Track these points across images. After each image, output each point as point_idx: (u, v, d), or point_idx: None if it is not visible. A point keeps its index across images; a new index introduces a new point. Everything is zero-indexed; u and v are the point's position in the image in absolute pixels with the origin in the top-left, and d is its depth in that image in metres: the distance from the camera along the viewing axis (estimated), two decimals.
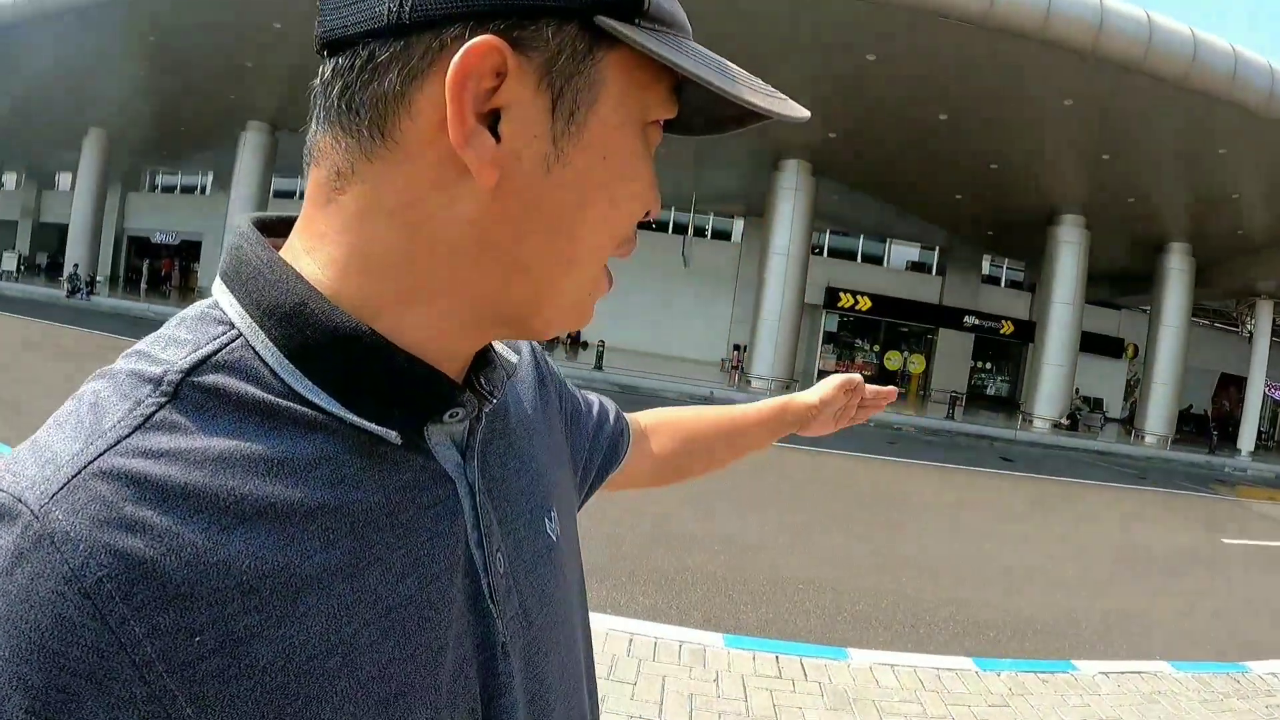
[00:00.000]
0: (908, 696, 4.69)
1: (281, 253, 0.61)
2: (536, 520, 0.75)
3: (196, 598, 0.48)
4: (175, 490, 0.49)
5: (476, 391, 0.68)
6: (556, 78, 0.55)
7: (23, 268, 41.87)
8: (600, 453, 1.05)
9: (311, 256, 0.59)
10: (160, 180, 47.85)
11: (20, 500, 0.47)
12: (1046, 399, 28.37)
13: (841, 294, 35.04)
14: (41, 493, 0.47)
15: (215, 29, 22.67)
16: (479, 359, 0.69)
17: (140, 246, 46.25)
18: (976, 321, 36.12)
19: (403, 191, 0.56)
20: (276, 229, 0.65)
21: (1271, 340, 32.89)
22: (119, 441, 0.50)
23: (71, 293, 30.82)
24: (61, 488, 0.47)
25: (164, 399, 0.52)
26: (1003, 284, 40.96)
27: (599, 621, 5.15)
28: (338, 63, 0.56)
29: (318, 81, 0.58)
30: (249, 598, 0.50)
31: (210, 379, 0.54)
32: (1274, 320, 32.98)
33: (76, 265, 33.36)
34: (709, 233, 39.75)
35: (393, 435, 0.57)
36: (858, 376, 1.48)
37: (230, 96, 28.66)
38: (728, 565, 7.30)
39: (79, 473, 0.48)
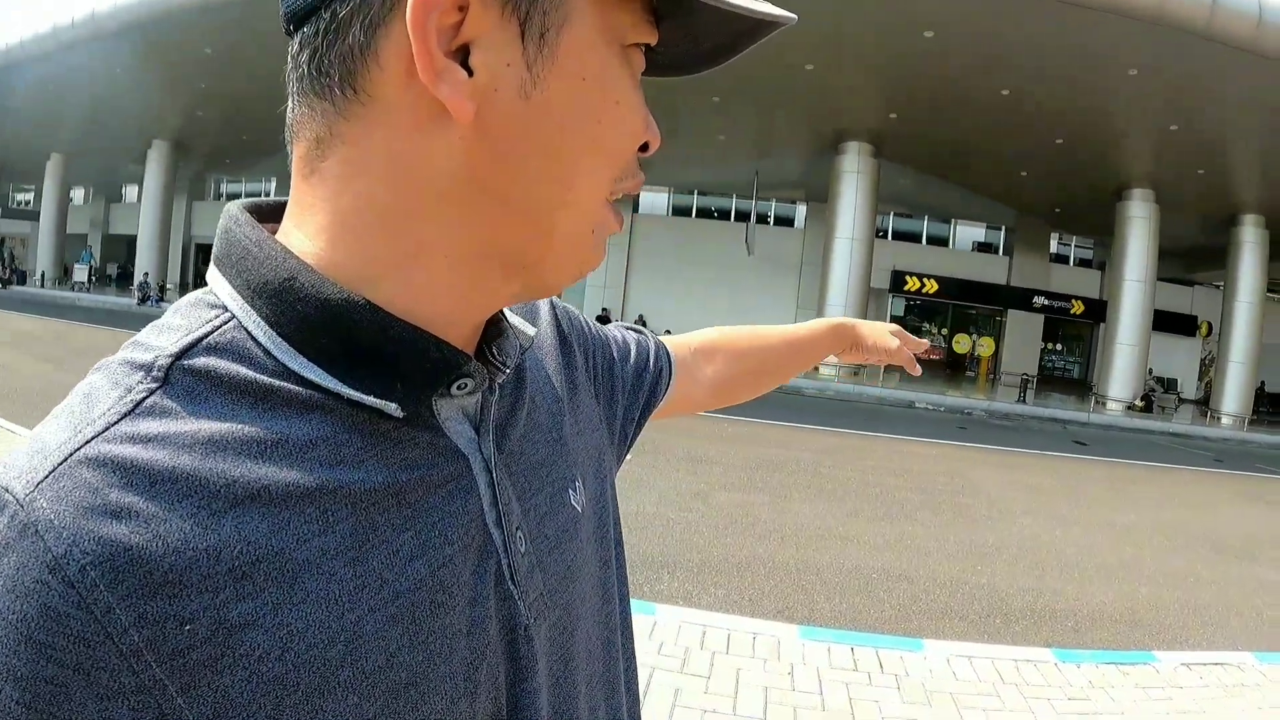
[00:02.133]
0: (986, 689, 4.64)
1: (277, 235, 0.60)
2: (559, 493, 0.74)
3: (186, 585, 0.47)
4: (163, 475, 0.48)
5: (490, 362, 0.66)
6: (521, 1, 0.53)
7: (94, 278, 42.99)
8: (640, 400, 1.03)
9: (301, 230, 0.58)
10: (225, 189, 48.90)
11: (7, 490, 0.47)
12: (1119, 380, 27.85)
13: (907, 277, 34.70)
14: (27, 482, 0.47)
15: (271, 37, 22.99)
16: (491, 329, 0.68)
17: (208, 254, 46.74)
18: (1046, 302, 35.50)
19: (383, 145, 0.55)
20: (273, 215, 0.64)
21: None
22: (107, 428, 0.49)
23: (142, 300, 31.72)
24: (47, 476, 0.47)
25: (155, 384, 0.52)
26: (1071, 262, 40.27)
27: (670, 614, 5.17)
28: (304, 33, 0.55)
29: (290, 61, 0.58)
30: (242, 584, 0.48)
31: (201, 362, 0.53)
32: None
33: (146, 274, 34.31)
34: (771, 219, 39.56)
35: (392, 407, 0.56)
36: (909, 339, 1.50)
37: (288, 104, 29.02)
38: (800, 555, 7.28)
39: (65, 460, 0.47)
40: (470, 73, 0.53)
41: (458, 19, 0.52)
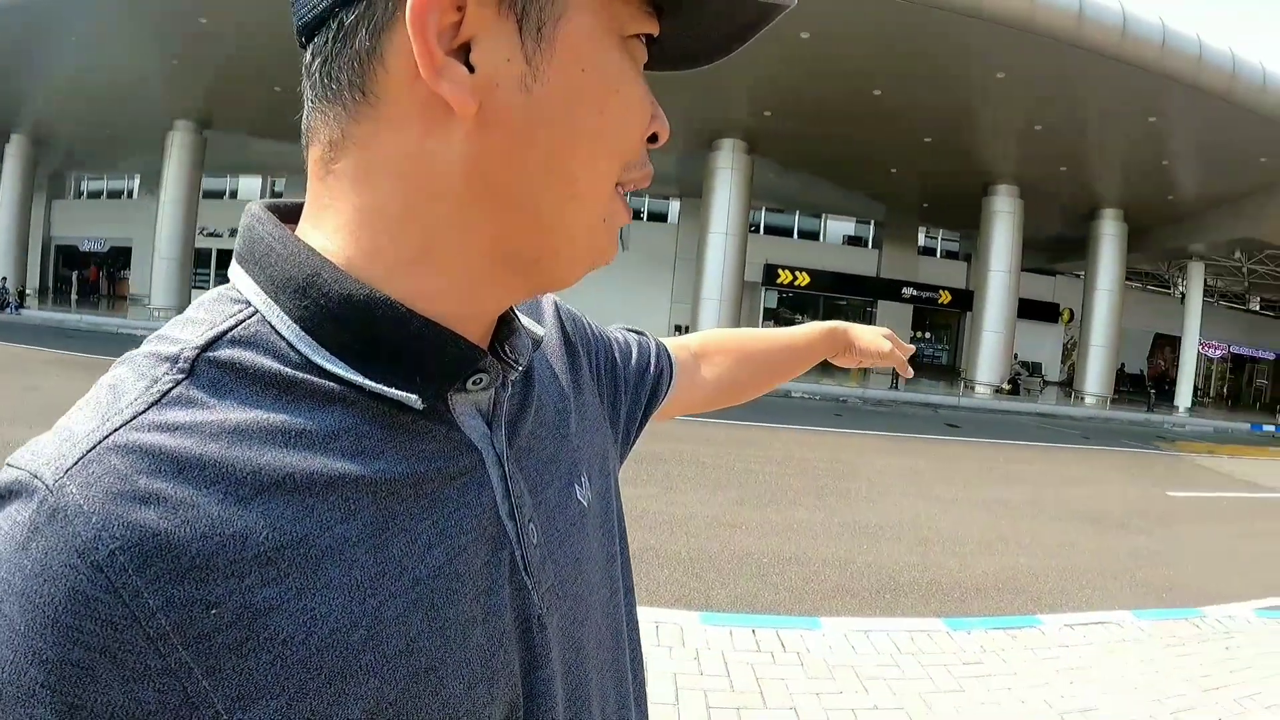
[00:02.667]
0: (885, 661, 4.76)
1: (297, 234, 0.60)
2: (567, 488, 0.74)
3: (212, 569, 0.47)
4: (190, 462, 0.49)
5: (502, 359, 0.67)
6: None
7: None
8: (642, 400, 1.04)
9: (319, 230, 0.59)
10: (86, 186, 46.54)
11: (36, 476, 0.47)
12: (987, 365, 28.92)
13: (780, 271, 35.34)
14: (57, 468, 0.47)
15: (138, 27, 22.16)
16: (503, 327, 0.69)
17: (68, 256, 44.81)
18: (915, 292, 36.65)
19: (392, 145, 0.56)
20: (290, 216, 0.64)
21: (1204, 300, 33.89)
22: (135, 417, 0.50)
23: (1, 307, 29.98)
24: (76, 462, 0.47)
25: (181, 375, 0.52)
26: (939, 254, 41.59)
27: None
28: (315, 43, 0.56)
29: (304, 72, 0.59)
30: (267, 569, 0.49)
31: (226, 354, 0.54)
32: (1205, 281, 33.95)
33: (4, 278, 32.34)
34: (645, 215, 39.77)
35: (413, 399, 0.57)
36: (899, 344, 1.55)
37: (156, 96, 27.97)
38: (692, 544, 7.33)
39: (94, 448, 0.48)
40: (472, 69, 0.54)
41: (457, 18, 0.53)
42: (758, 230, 37.36)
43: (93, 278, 42.37)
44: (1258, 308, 48.34)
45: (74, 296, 38.55)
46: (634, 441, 1.04)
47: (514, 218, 0.58)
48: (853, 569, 7.02)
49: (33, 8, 22.23)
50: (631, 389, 1.02)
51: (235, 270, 0.60)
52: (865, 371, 33.94)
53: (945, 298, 36.58)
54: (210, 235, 37.85)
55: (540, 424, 0.74)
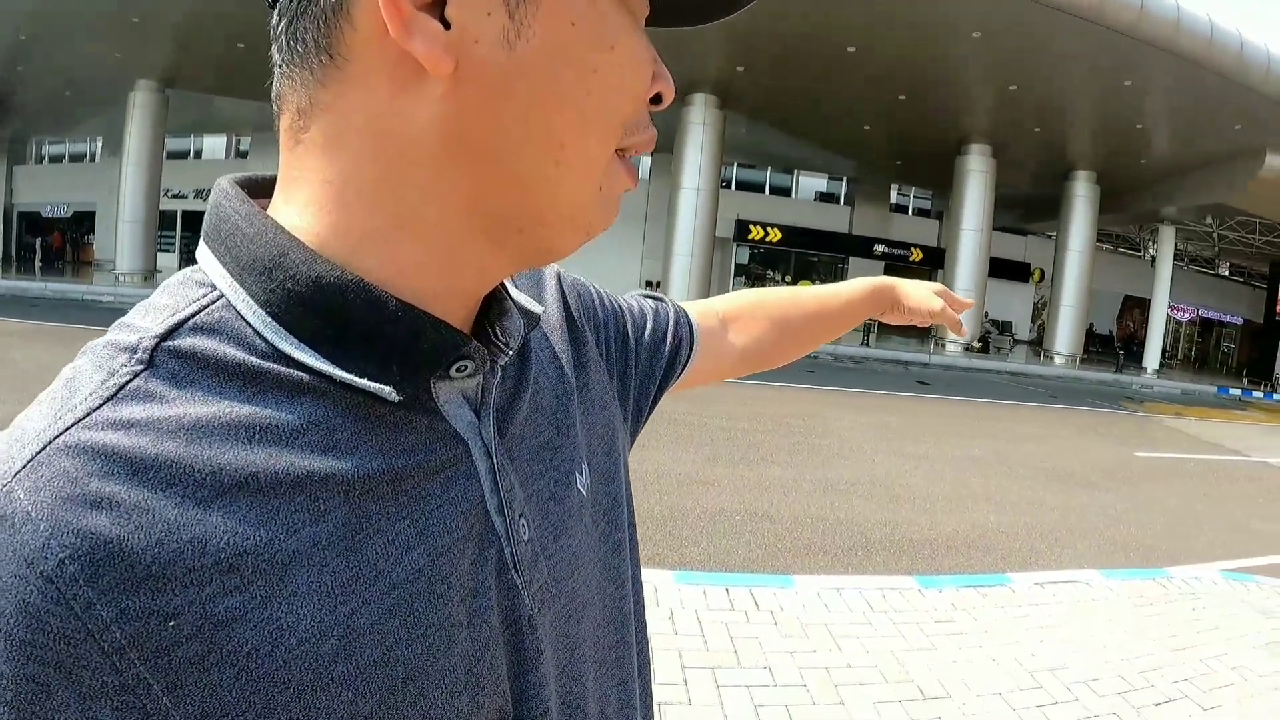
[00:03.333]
0: (857, 619, 4.80)
1: (268, 210, 0.56)
2: (565, 477, 0.70)
3: (169, 578, 0.44)
4: (146, 463, 0.45)
5: (492, 343, 0.63)
6: None
7: None
8: (657, 373, 0.98)
9: (290, 204, 0.55)
10: (47, 151, 45.55)
11: None
12: None
13: (752, 226, 35.30)
14: (5, 471, 0.44)
15: None
16: (494, 306, 0.65)
17: (31, 222, 43.85)
18: (886, 249, 36.72)
19: (362, 109, 0.52)
20: (265, 189, 0.60)
21: (1174, 264, 34.36)
22: (88, 414, 0.46)
23: None
24: (25, 465, 0.44)
25: (140, 367, 0.49)
26: (910, 212, 41.62)
27: None
28: (280, 2, 0.52)
29: (270, 34, 0.54)
30: (229, 577, 0.46)
31: (187, 343, 0.50)
32: (1176, 245, 34.44)
33: None
34: None
35: (388, 391, 0.53)
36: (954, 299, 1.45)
37: (116, 55, 27.24)
38: (664, 501, 7.34)
39: (44, 448, 0.45)
40: (448, 25, 0.50)
41: None
42: (729, 186, 37.26)
43: (56, 244, 41.33)
44: (1227, 273, 49.22)
45: (38, 264, 37.88)
46: (646, 419, 0.98)
47: (497, 185, 0.54)
48: (825, 526, 7.06)
49: None
50: (644, 363, 0.96)
51: (202, 250, 0.56)
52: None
53: (917, 255, 36.69)
54: (175, 197, 37.28)
55: (536, 410, 0.70)
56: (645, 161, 37.94)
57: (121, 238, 30.34)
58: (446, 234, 0.55)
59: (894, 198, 40.75)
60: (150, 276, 29.59)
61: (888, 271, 37.37)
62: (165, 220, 34.21)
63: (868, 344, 27.18)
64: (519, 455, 0.65)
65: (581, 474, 0.73)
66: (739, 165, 38.72)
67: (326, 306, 0.52)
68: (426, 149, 0.52)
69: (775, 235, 35.62)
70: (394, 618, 0.51)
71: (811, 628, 4.58)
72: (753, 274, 38.63)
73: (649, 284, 32.84)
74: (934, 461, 10.42)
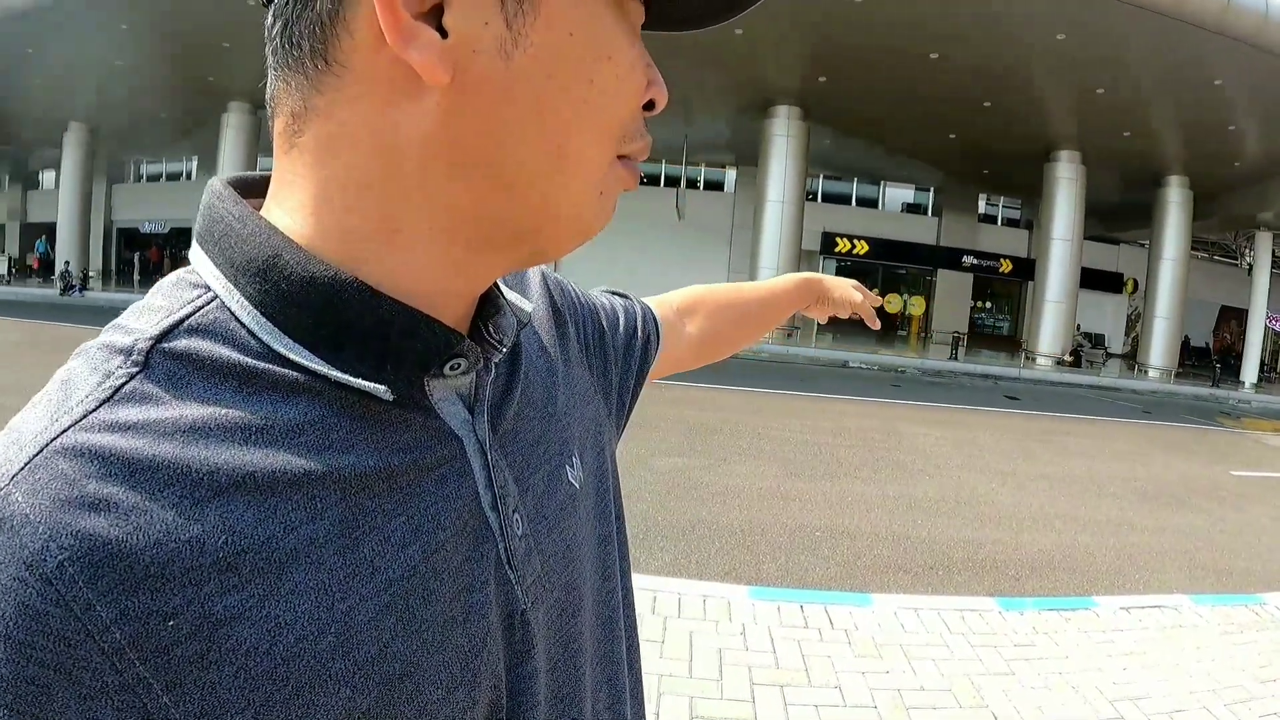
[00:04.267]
0: (933, 640, 4.72)
1: (261, 211, 0.57)
2: (557, 470, 0.71)
3: (168, 578, 0.45)
4: (143, 464, 0.46)
5: (485, 340, 0.64)
6: None
7: (14, 270, 41.73)
8: (633, 367, 1.00)
9: (283, 206, 0.56)
10: (145, 170, 47.18)
11: None
12: (1048, 336, 28.48)
13: (838, 239, 35.05)
14: (2, 475, 0.45)
15: (188, 10, 22.33)
16: (486, 305, 0.65)
17: (130, 238, 45.62)
18: (975, 261, 36.20)
19: (358, 116, 0.52)
20: (258, 189, 0.61)
21: (1271, 272, 33.32)
22: (85, 416, 0.47)
23: (65, 290, 30.43)
24: (22, 468, 0.45)
25: (135, 369, 0.50)
26: (999, 222, 40.89)
27: None
28: (275, 5, 0.53)
29: (265, 36, 0.55)
30: (227, 576, 0.46)
31: (183, 344, 0.51)
32: (1273, 252, 33.39)
33: (68, 262, 32.89)
34: (701, 184, 39.49)
35: (382, 390, 0.53)
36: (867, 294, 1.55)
37: (209, 78, 28.08)
38: (743, 516, 7.32)
39: (40, 451, 0.46)
40: (445, 34, 0.50)
41: None
42: (815, 198, 36.97)
43: (154, 258, 42.70)
44: None
45: (136, 277, 39.22)
46: (629, 411, 1.00)
47: (494, 193, 0.55)
48: (905, 544, 6.97)
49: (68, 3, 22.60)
50: (621, 357, 0.98)
51: (195, 252, 0.57)
52: (924, 340, 33.68)
53: (1006, 266, 36.08)
54: None
55: (527, 404, 0.71)
56: (730, 175, 38.06)
57: None
58: (443, 239, 0.56)
59: (982, 208, 40.05)
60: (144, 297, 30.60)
61: (978, 284, 36.89)
62: None
63: (955, 358, 26.72)
64: (512, 451, 0.66)
65: (573, 466, 0.74)
66: (824, 177, 38.45)
67: (320, 307, 0.53)
68: (423, 156, 0.53)
69: (862, 248, 35.31)
70: (390, 614, 0.52)
71: (886, 648, 4.53)
72: None
73: None
74: (1020, 479, 10.20)
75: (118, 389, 0.49)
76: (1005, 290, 39.89)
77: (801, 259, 29.91)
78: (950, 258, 36.35)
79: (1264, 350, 34.80)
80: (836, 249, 35.23)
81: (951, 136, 29.19)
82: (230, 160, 30.83)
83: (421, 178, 0.53)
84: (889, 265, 37.78)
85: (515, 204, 0.56)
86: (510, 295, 0.68)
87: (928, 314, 37.22)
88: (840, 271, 37.58)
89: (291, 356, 0.52)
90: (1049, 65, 21.42)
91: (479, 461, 0.61)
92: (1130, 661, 4.82)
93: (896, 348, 28.20)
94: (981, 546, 7.12)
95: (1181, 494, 10.47)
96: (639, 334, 1.02)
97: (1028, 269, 33.11)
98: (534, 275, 0.86)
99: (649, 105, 0.61)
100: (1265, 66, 19.74)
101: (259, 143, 31.76)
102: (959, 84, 23.26)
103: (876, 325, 1.57)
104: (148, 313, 0.53)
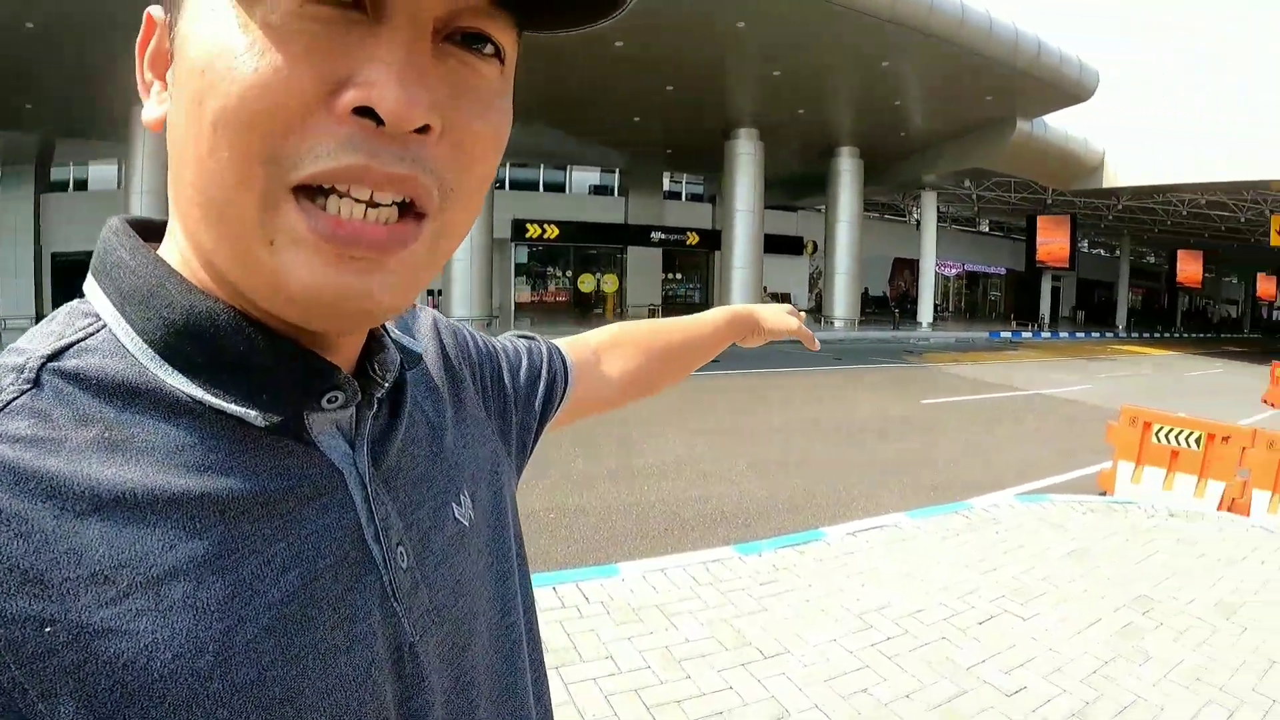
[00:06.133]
0: (686, 594, 4.79)
1: (159, 250, 0.58)
2: (443, 507, 0.69)
3: (46, 585, 0.44)
4: (27, 475, 0.46)
5: (370, 377, 0.63)
6: (168, 11, 0.53)
7: None
8: (535, 408, 0.99)
9: (167, 244, 0.58)
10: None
11: None
12: (738, 299, 29.84)
13: (528, 225, 35.13)
14: None
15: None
16: (374, 343, 0.65)
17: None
18: (663, 236, 37.35)
19: (169, 162, 0.53)
20: (158, 232, 0.61)
21: (937, 225, 37.80)
22: None
23: None
24: None
25: (26, 385, 0.50)
26: (684, 198, 42.51)
27: None
28: None
29: None
30: (104, 589, 0.46)
31: (71, 365, 0.52)
32: (938, 208, 37.82)
33: None
34: None
35: (254, 416, 0.53)
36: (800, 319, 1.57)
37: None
38: None
39: None
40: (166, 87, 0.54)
41: (166, 45, 0.54)
42: (503, 186, 37.08)
43: None
44: (987, 229, 54.01)
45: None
46: (530, 452, 0.99)
47: (194, 230, 0.53)
48: (637, 511, 7.05)
49: None
50: (523, 399, 0.97)
51: (89, 284, 0.58)
52: (620, 316, 34.56)
53: (693, 239, 37.46)
54: None
55: (412, 442, 0.69)
56: None
57: None
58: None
59: (667, 185, 41.46)
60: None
61: (667, 258, 38.16)
62: None
63: None
64: (396, 486, 0.64)
65: (460, 504, 0.72)
66: (511, 165, 38.55)
67: (198, 334, 0.53)
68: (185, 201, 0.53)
69: (553, 232, 35.60)
70: (270, 638, 0.51)
71: (644, 610, 4.54)
72: (533, 272, 39.05)
73: (430, 293, 32.33)
74: (734, 434, 10.63)
75: (8, 404, 0.49)
76: (694, 262, 41.51)
77: (494, 247, 29.95)
78: (639, 235, 37.33)
79: (935, 293, 38.58)
80: (527, 235, 35.35)
81: (636, 120, 29.97)
82: None
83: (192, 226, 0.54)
84: (580, 246, 38.36)
85: (207, 248, 0.53)
86: (399, 336, 0.70)
87: (621, 290, 38.20)
88: (532, 257, 38.09)
89: (170, 381, 0.53)
90: (730, 51, 22.37)
91: (360, 494, 0.60)
92: (866, 579, 5.15)
93: (594, 325, 28.72)
94: (708, 501, 7.33)
95: (882, 425, 11.34)
96: (543, 375, 1.02)
97: (714, 240, 34.61)
98: (425, 319, 0.86)
99: (365, 112, 0.47)
100: (929, 49, 21.79)
101: None
102: (643, 71, 23.86)
103: (816, 348, 1.59)
104: (41, 336, 0.54)
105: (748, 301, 29.37)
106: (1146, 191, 35.08)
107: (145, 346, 0.53)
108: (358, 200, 0.48)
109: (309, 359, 0.56)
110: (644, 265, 38.58)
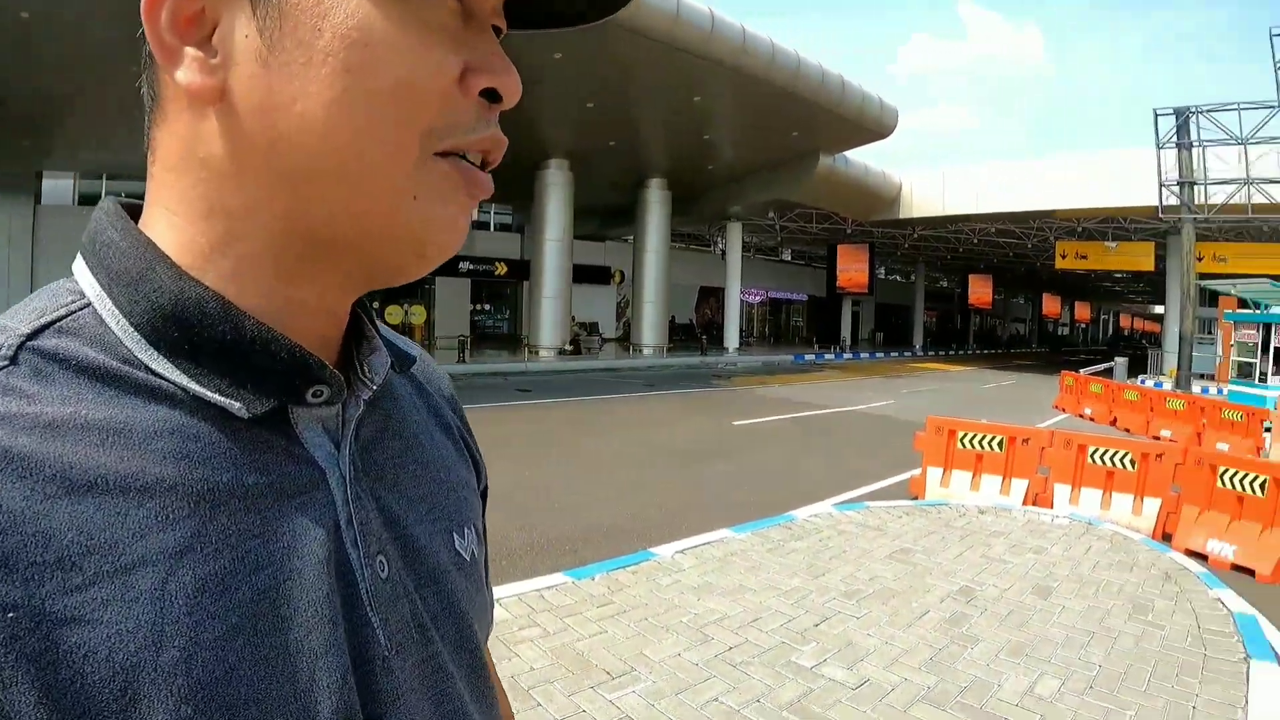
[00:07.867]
0: (525, 623, 4.75)
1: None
2: (443, 532, 0.67)
3: (11, 568, 0.42)
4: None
5: (358, 377, 0.63)
6: None
7: None
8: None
9: (150, 229, 0.56)
10: None
11: None
12: (548, 329, 30.21)
13: None
14: None
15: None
16: (362, 343, 0.64)
17: None
18: (471, 266, 37.13)
19: (172, 139, 0.54)
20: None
21: (742, 255, 39.42)
22: None
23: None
24: None
25: (4, 363, 0.49)
26: (492, 228, 42.32)
27: None
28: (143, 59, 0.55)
29: None
30: (70, 575, 0.44)
31: (51, 343, 0.50)
32: (743, 238, 39.49)
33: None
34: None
35: (236, 406, 0.52)
36: None
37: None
38: None
39: None
40: (216, 53, 0.51)
41: (199, 5, 0.51)
42: None
43: None
44: (789, 258, 56.94)
45: None
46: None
47: (299, 202, 0.53)
48: None
49: None
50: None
51: (77, 263, 0.56)
52: (429, 347, 34.14)
53: (501, 269, 37.43)
54: None
55: (411, 458, 0.68)
56: None
57: None
58: (272, 247, 0.55)
59: (476, 215, 41.01)
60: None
61: (475, 287, 38.05)
62: None
63: (464, 360, 27.20)
64: (385, 494, 0.63)
65: (463, 537, 0.70)
66: None
67: (186, 320, 0.52)
68: (230, 171, 0.53)
69: None
70: (239, 636, 0.49)
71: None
72: None
73: None
74: (554, 462, 10.59)
75: None
76: (503, 291, 41.42)
77: None
78: (447, 265, 35.59)
79: (741, 320, 40.02)
80: None
81: None
82: None
83: (238, 190, 0.53)
84: None
85: (320, 210, 0.54)
86: (391, 336, 0.71)
87: (430, 321, 37.73)
88: None
89: (153, 365, 0.52)
90: (545, 82, 22.37)
91: (341, 496, 0.58)
92: (701, 593, 5.25)
93: None
94: (535, 530, 7.27)
95: (698, 448, 11.57)
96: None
97: (523, 269, 34.75)
98: (438, 367, 0.86)
99: (491, 95, 0.58)
100: (738, 86, 22.50)
101: None
102: None
103: None
104: (23, 313, 0.53)
105: (559, 330, 29.82)
106: (940, 221, 37.28)
107: (130, 328, 0.52)
108: (471, 162, 0.57)
109: (293, 349, 0.54)
110: (452, 295, 38.20)
